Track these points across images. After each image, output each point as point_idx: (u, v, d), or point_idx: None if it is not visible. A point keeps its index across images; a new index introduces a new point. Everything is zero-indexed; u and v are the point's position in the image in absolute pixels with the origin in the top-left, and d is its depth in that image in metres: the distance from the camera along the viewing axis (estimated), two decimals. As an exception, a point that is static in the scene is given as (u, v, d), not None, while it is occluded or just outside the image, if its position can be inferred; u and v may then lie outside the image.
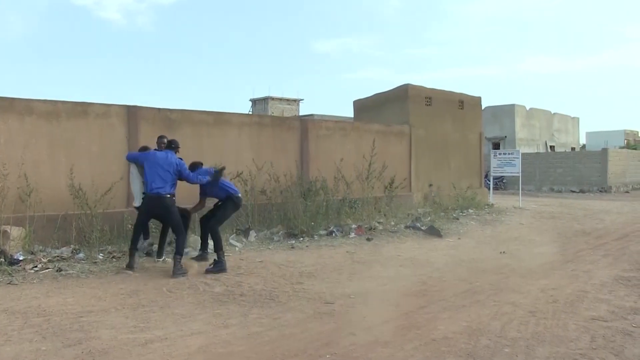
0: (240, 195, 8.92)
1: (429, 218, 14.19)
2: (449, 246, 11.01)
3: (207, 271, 8.13)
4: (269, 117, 14.69)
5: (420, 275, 8.12)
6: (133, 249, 8.27)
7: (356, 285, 7.41)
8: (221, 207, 8.72)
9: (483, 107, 20.52)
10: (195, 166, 8.72)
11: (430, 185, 16.99)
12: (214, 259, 8.41)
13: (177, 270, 7.84)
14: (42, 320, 5.69)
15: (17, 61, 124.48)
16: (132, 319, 5.78)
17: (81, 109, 10.29)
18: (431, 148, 17.23)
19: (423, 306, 6.33)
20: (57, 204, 9.62)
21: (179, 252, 7.99)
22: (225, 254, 8.85)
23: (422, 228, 12.64)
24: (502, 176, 28.70)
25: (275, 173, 12.51)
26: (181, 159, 8.50)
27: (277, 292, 6.99)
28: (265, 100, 59.17)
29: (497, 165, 19.80)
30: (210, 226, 8.58)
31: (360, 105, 18.64)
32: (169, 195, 8.08)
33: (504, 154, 20.09)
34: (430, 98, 17.47)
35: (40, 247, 9.15)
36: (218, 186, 8.62)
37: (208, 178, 8.50)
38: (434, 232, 12.31)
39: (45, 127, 9.89)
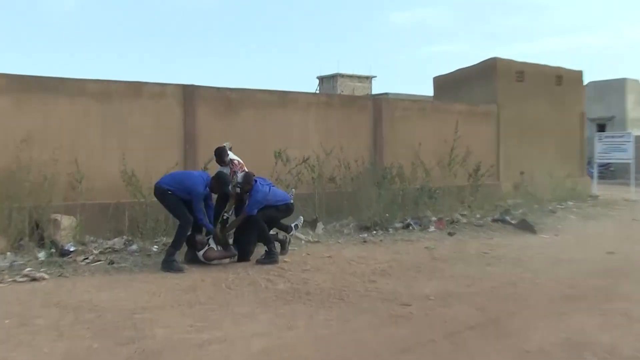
0: (291, 202, 9.17)
1: (520, 211, 13.91)
2: (544, 243, 10.76)
3: (258, 262, 8.50)
4: (338, 97, 14.74)
5: (511, 276, 7.95)
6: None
7: (436, 285, 7.33)
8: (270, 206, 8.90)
9: (585, 83, 19.79)
10: (247, 180, 8.69)
11: (522, 173, 16.64)
12: (265, 250, 8.65)
13: (165, 264, 8.10)
14: (94, 316, 5.89)
15: (68, 40, 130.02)
16: (189, 317, 5.89)
17: (135, 89, 10.59)
18: (523, 131, 16.86)
19: (514, 312, 6.16)
20: (109, 192, 9.97)
21: (172, 245, 8.29)
22: (288, 247, 9.19)
23: (512, 222, 12.42)
24: (608, 163, 27.58)
25: (346, 159, 12.54)
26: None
27: (347, 291, 6.96)
28: (333, 77, 59.25)
29: (603, 150, 19.09)
30: (254, 220, 8.70)
31: (441, 83, 18.42)
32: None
33: (612, 137, 19.30)
34: (521, 73, 17.10)
35: (92, 238, 9.50)
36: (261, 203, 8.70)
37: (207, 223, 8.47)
38: (526, 226, 12.07)
39: (97, 109, 10.25)
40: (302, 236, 10.55)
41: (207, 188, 8.43)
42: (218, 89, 11.51)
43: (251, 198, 8.65)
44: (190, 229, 8.39)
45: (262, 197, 8.66)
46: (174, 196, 8.28)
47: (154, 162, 10.24)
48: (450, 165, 13.44)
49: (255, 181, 8.80)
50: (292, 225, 9.48)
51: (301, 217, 9.82)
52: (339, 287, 7.13)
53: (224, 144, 9.43)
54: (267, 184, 8.99)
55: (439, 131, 14.43)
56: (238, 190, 8.83)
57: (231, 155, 9.27)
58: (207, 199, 8.58)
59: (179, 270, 8.02)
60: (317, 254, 9.34)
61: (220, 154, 9.15)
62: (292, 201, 9.18)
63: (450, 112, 15.00)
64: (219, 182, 8.48)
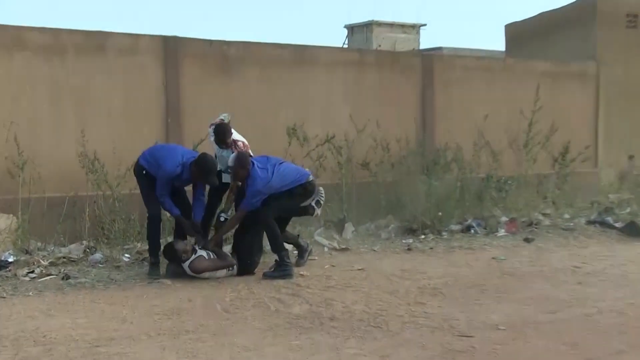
0: (311, 179, 9.12)
1: (627, 210, 13.84)
2: None
3: (265, 275, 8.57)
4: (374, 53, 14.78)
5: (614, 300, 7.88)
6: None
7: (507, 310, 7.34)
8: (282, 193, 8.89)
9: None
10: (241, 163, 8.65)
11: (631, 157, 16.60)
12: (275, 260, 8.74)
13: (150, 271, 8.60)
14: (40, 351, 5.91)
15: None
16: (172, 350, 5.94)
17: (97, 42, 10.71)
18: (633, 98, 16.69)
19: (621, 351, 6.11)
20: (63, 182, 10.11)
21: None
22: (306, 256, 9.35)
23: (616, 225, 12.39)
24: None
25: (384, 137, 12.60)
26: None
27: (385, 316, 7.01)
28: (367, 26, 58.64)
29: None
30: (260, 216, 8.74)
31: (516, 33, 18.38)
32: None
33: None
34: (635, 16, 16.94)
35: (39, 244, 9.64)
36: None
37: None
38: (635, 231, 12.04)
39: (45, 69, 10.36)
40: (325, 241, 10.64)
41: (184, 173, 8.49)
42: (211, 42, 11.60)
43: (248, 189, 8.63)
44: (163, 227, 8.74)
45: (262, 185, 8.57)
46: (146, 178, 8.50)
47: (124, 142, 10.37)
48: (527, 147, 13.44)
49: (252, 164, 8.67)
50: (312, 203, 9.27)
51: (321, 190, 9.41)
52: (374, 311, 7.17)
53: (222, 117, 9.42)
54: (271, 164, 8.82)
55: (513, 99, 14.40)
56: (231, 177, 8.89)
57: (235, 135, 9.23)
58: (197, 189, 8.73)
59: (155, 277, 8.39)
60: (345, 265, 9.40)
61: (222, 133, 9.03)
62: (310, 178, 9.09)
63: (528, 73, 14.92)
64: (199, 168, 8.49)
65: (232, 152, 8.94)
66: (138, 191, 8.98)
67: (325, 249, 10.37)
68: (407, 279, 8.65)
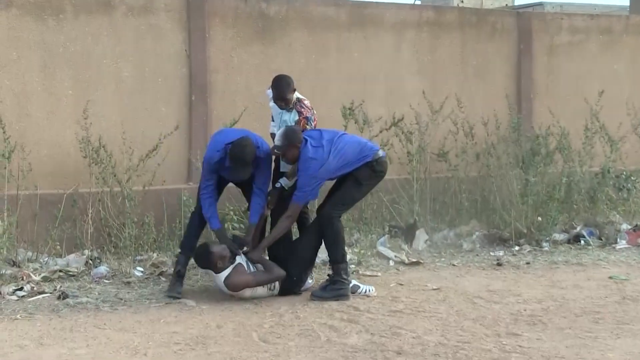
0: (381, 155, 8.91)
1: None
2: None
3: (314, 296, 8.63)
4: (455, 11, 14.67)
5: None
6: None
7: (629, 346, 7.27)
8: (345, 180, 8.82)
9: None
10: (291, 139, 8.56)
11: None
12: (328, 275, 8.76)
13: (169, 287, 8.72)
14: None
15: None
16: (195, 390, 5.98)
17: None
18: None
19: None
20: (60, 175, 10.24)
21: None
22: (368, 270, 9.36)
23: None
24: None
25: (467, 119, 12.53)
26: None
27: (467, 350, 6.99)
28: (447, -23, 58.50)
29: None
30: (323, 216, 8.75)
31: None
32: None
33: None
34: None
35: (30, 254, 9.73)
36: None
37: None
38: None
39: (37, 33, 10.44)
40: (391, 253, 10.64)
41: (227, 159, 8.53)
42: (246, -1, 11.62)
43: (300, 175, 8.60)
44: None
45: (317, 168, 8.48)
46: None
47: (137, 124, 10.51)
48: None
49: (305, 141, 8.58)
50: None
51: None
52: (453, 343, 7.16)
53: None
54: (327, 140, 8.65)
55: (639, 69, 14.24)
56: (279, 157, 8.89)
57: (297, 94, 9.12)
58: (252, 181, 8.77)
59: (175, 295, 8.56)
60: (415, 284, 9.42)
61: (281, 86, 8.89)
62: (379, 154, 8.87)
63: (662, 35, 14.61)
64: (228, 154, 8.49)
65: (297, 116, 8.92)
66: (155, 187, 9.07)
67: (391, 263, 10.37)
68: (497, 303, 8.63)
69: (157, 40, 11.02)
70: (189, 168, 10.87)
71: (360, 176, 8.73)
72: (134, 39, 10.89)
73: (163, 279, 9.28)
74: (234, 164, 8.41)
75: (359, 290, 8.86)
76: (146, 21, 10.95)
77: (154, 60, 10.98)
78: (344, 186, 8.77)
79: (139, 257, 9.88)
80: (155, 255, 9.89)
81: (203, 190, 8.69)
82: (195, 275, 9.52)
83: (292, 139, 8.46)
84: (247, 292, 8.49)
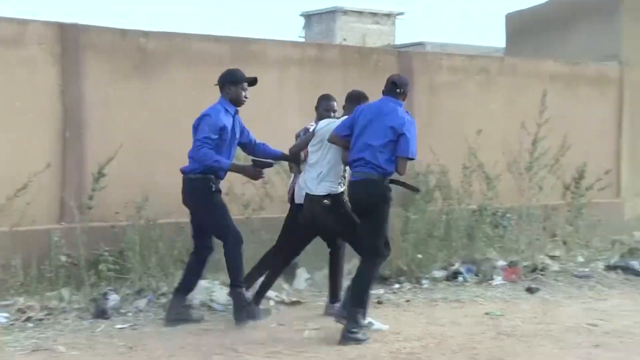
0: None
1: None
2: None
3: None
4: (338, 49, 14.77)
5: (642, 368, 8.03)
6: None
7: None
8: (373, 209, 8.91)
9: None
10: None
11: None
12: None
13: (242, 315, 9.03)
14: None
15: None
16: None
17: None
18: None
19: None
20: None
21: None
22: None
23: None
24: None
25: (349, 156, 12.38)
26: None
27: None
28: (330, 14, 59.28)
29: None
30: (369, 247, 8.90)
31: (519, 25, 18.57)
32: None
33: None
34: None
35: None
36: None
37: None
38: None
39: None
40: (271, 293, 10.46)
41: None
42: (124, 32, 11.44)
43: (406, 133, 8.77)
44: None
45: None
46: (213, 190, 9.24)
47: (6, 162, 10.17)
48: (531, 171, 13.36)
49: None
50: None
51: None
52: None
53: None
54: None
55: (514, 110, 14.45)
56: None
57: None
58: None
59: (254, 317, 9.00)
60: (296, 324, 9.36)
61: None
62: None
63: (534, 76, 14.96)
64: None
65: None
66: (22, 228, 8.73)
67: (272, 303, 10.25)
68: (377, 342, 8.56)
69: (30, 74, 10.69)
70: (61, 207, 10.54)
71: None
72: (5, 71, 10.55)
73: (30, 324, 8.98)
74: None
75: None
76: (18, 54, 10.64)
77: (26, 94, 10.62)
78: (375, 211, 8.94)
79: (4, 302, 9.55)
80: (22, 299, 9.51)
81: (205, 146, 8.89)
82: (66, 320, 9.20)
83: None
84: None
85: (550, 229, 13.57)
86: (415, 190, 9.72)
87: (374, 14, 60.42)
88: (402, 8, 75.62)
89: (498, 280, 11.72)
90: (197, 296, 9.85)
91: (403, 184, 9.08)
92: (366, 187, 8.71)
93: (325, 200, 8.90)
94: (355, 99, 9.52)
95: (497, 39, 54.50)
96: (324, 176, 8.97)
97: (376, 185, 8.69)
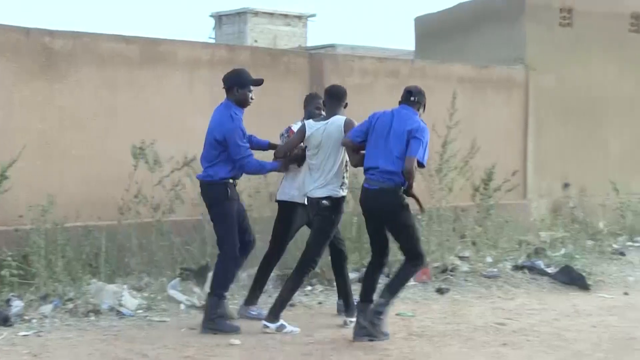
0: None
1: (562, 251, 14.16)
2: (604, 308, 11.00)
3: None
4: (248, 50, 14.74)
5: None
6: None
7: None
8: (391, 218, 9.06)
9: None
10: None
11: (566, 185, 17.01)
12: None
13: (210, 323, 9.06)
14: None
15: None
16: None
17: None
18: (569, 112, 17.11)
19: None
20: None
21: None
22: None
23: (549, 271, 12.70)
24: None
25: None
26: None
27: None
28: (240, 16, 59.25)
29: None
30: (411, 251, 9.03)
31: (428, 28, 18.73)
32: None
33: None
34: (569, 12, 17.34)
35: None
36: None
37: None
38: (572, 279, 12.34)
39: None
40: (182, 297, 10.46)
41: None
42: (28, 31, 11.25)
43: (416, 137, 8.91)
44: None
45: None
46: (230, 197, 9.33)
47: None
48: (441, 173, 13.45)
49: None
50: None
51: None
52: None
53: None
54: None
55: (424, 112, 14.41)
56: None
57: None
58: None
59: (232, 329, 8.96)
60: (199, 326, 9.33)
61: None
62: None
63: (442, 79, 15.10)
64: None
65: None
66: None
67: (182, 307, 10.20)
68: (289, 344, 8.67)
69: None
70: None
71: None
72: None
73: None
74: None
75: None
76: None
77: None
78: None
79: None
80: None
81: (246, 153, 9.22)
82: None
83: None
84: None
85: (460, 230, 13.68)
86: (422, 210, 9.68)
87: (285, 16, 60.58)
88: (313, 10, 76.22)
89: (410, 281, 11.67)
90: (105, 301, 9.74)
91: (415, 198, 9.16)
92: (381, 197, 8.89)
93: (325, 201, 9.05)
94: (341, 96, 10.06)
95: (407, 42, 55.03)
96: (325, 182, 9.11)
97: (390, 194, 8.84)
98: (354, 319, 9.22)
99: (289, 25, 59.94)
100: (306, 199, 9.40)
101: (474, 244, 13.52)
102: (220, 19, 60.57)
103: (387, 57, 17.74)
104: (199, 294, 10.65)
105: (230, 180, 9.25)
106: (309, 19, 61.75)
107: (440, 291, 11.37)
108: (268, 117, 12.95)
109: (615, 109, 17.86)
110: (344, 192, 9.25)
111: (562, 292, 11.85)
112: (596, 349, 8.76)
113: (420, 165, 8.91)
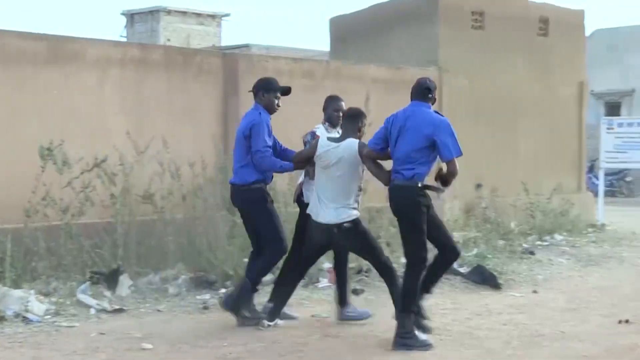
0: None
1: (474, 251, 14.28)
2: (514, 307, 11.17)
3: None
4: (161, 49, 14.57)
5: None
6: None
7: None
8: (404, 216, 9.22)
9: (589, 33, 20.34)
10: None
11: (478, 185, 17.15)
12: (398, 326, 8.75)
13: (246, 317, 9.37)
14: None
15: None
16: None
17: None
18: (481, 113, 17.32)
19: None
20: None
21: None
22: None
23: (461, 270, 12.79)
24: (623, 170, 28.48)
25: (173, 160, 12.28)
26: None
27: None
28: (152, 14, 58.85)
29: (615, 147, 19.72)
30: (414, 253, 9.06)
31: (343, 29, 18.70)
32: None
33: (631, 125, 19.84)
34: (481, 15, 17.54)
35: None
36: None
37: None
38: (483, 278, 12.50)
39: None
40: (92, 301, 10.26)
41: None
42: None
43: (444, 131, 8.87)
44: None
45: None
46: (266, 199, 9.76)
47: None
48: (356, 172, 13.39)
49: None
50: None
51: None
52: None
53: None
54: None
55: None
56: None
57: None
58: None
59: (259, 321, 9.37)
60: (119, 333, 9.15)
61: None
62: None
63: (358, 80, 15.14)
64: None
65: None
66: None
67: (92, 311, 9.98)
68: (202, 348, 8.61)
69: None
70: None
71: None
72: None
73: None
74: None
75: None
76: None
77: None
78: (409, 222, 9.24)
79: None
80: None
81: (265, 147, 9.43)
82: None
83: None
84: None
85: (375, 231, 13.59)
86: (440, 190, 9.68)
87: (199, 15, 60.37)
88: (227, 9, 75.96)
89: (324, 282, 11.79)
90: (10, 307, 9.49)
91: (430, 187, 9.22)
92: (395, 194, 9.10)
93: (346, 224, 9.12)
94: (357, 117, 9.74)
95: (322, 43, 55.09)
96: (335, 204, 9.14)
97: (404, 191, 8.95)
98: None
99: (203, 25, 59.72)
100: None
101: (388, 244, 13.39)
102: (132, 17, 60.14)
103: (302, 57, 17.68)
104: (110, 297, 10.51)
105: (262, 184, 9.61)
106: (223, 18, 61.64)
107: (355, 292, 11.24)
108: (180, 116, 12.98)
109: (525, 111, 18.17)
110: (357, 212, 9.39)
111: (474, 292, 11.97)
112: (506, 346, 8.88)
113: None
